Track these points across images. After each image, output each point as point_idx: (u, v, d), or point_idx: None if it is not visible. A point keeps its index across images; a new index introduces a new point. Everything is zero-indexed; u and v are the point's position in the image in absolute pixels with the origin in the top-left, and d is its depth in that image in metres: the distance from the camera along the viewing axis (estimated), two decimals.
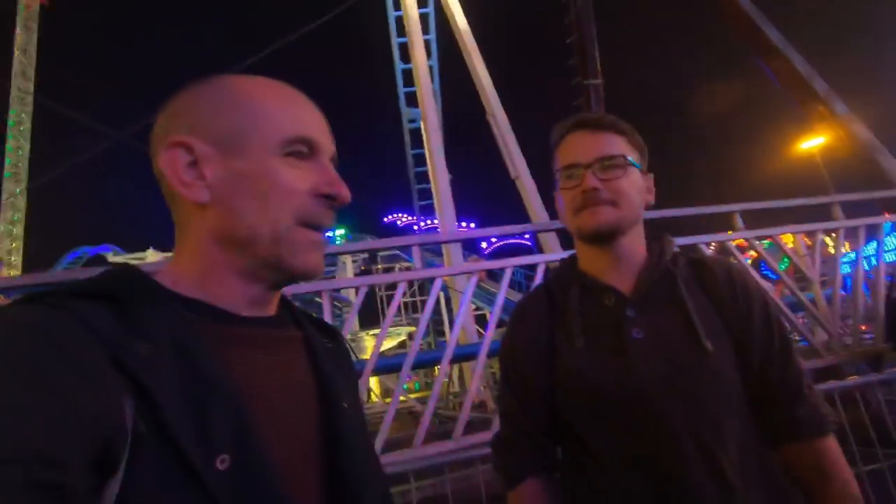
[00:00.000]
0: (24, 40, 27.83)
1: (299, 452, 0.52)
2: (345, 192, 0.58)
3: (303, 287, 2.36)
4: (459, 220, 11.86)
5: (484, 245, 21.70)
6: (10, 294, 2.16)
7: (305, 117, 0.58)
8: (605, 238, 0.85)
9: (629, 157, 0.86)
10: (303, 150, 0.56)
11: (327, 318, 2.44)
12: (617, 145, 0.86)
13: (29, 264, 28.23)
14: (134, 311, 0.47)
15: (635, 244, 0.88)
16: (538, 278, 2.71)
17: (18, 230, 28.08)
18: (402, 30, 13.38)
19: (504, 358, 0.94)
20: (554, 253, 3.00)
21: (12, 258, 27.62)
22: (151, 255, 23.67)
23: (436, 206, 11.32)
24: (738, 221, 3.26)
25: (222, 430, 0.44)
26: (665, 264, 0.87)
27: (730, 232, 3.25)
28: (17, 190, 26.48)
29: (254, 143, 0.54)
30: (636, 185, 0.86)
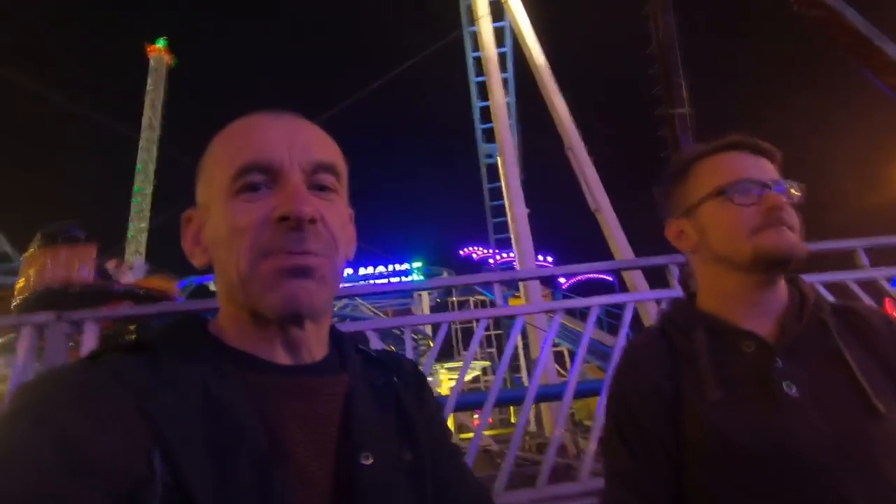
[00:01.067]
0: (153, 97, 32.12)
1: None
2: (294, 208, 0.49)
3: (385, 322, 2.40)
4: (537, 253, 11.66)
5: (563, 280, 21.09)
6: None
7: (254, 142, 0.52)
8: (783, 265, 0.76)
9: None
10: (256, 179, 0.51)
11: (409, 354, 2.45)
12: (776, 173, 0.80)
13: None
14: (168, 361, 0.47)
15: (782, 284, 0.79)
16: (626, 318, 2.55)
17: (140, 261, 31.83)
18: (480, 69, 13.79)
19: (616, 408, 0.82)
20: (641, 292, 2.83)
21: None
22: None
23: (513, 240, 11.26)
24: (862, 258, 2.88)
25: (245, 486, 0.42)
26: (812, 309, 0.77)
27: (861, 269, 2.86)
28: (142, 226, 30.17)
29: (214, 194, 0.53)
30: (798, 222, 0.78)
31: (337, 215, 0.54)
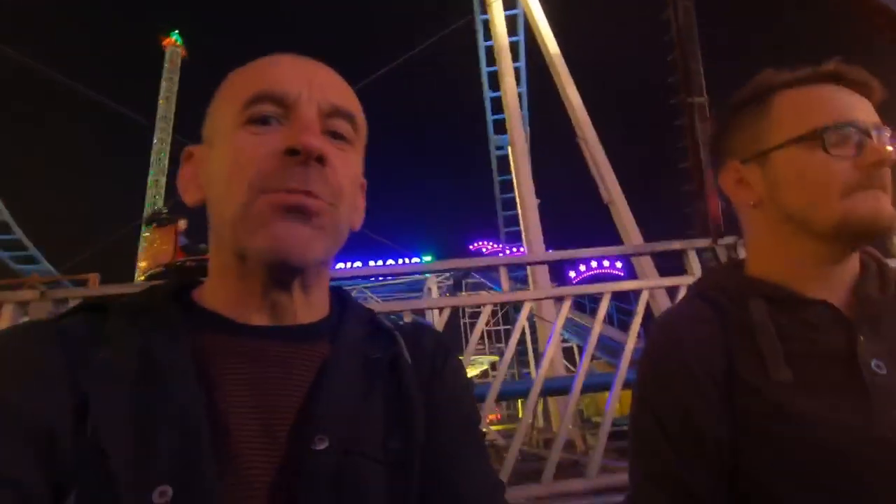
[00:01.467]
0: (167, 89, 32.43)
1: (259, 493, 0.41)
2: (306, 141, 0.44)
3: (384, 307, 2.29)
4: (546, 248, 11.49)
5: (573, 274, 20.86)
6: None
7: (270, 73, 0.48)
8: (880, 237, 0.62)
9: None
10: (267, 110, 0.46)
11: None
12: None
13: None
14: (114, 321, 0.45)
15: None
16: (640, 306, 2.39)
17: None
18: (491, 59, 13.60)
19: (653, 395, 0.66)
20: (655, 279, 2.66)
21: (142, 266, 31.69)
22: None
23: (522, 230, 11.11)
24: None
25: (165, 455, 0.38)
26: (894, 279, 0.65)
27: None
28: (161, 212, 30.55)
29: (221, 126, 0.49)
30: None
31: (348, 167, 0.50)
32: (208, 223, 0.51)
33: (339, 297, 0.57)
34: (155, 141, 32.09)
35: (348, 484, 0.42)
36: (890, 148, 0.60)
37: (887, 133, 0.62)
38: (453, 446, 0.50)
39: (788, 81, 0.67)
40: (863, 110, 0.63)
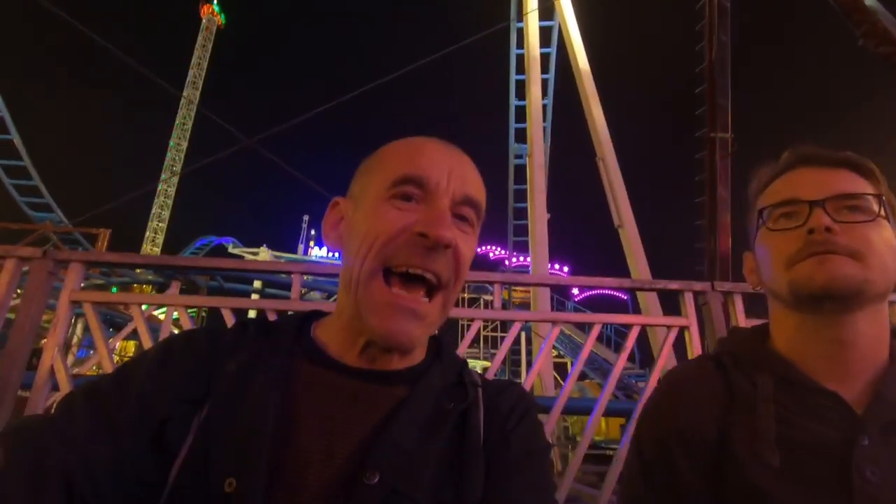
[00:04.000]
0: (199, 56, 32.62)
1: None
2: (437, 232, 0.52)
3: None
4: (552, 263, 11.45)
5: (575, 291, 20.77)
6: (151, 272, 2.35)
7: (419, 159, 0.56)
8: (837, 301, 0.60)
9: (881, 201, 0.62)
10: (411, 190, 0.54)
11: None
12: (861, 185, 0.63)
13: (169, 242, 32.53)
14: (247, 337, 0.57)
15: (877, 330, 0.62)
16: (629, 341, 2.39)
17: (166, 213, 32.56)
18: (520, 67, 13.56)
19: (646, 444, 0.69)
20: (650, 316, 2.65)
21: (157, 237, 31.99)
22: (263, 253, 25.97)
23: (530, 244, 11.08)
24: None
25: (236, 453, 0.46)
26: None
27: None
28: (172, 179, 30.76)
29: (369, 193, 0.57)
30: (889, 244, 0.61)
31: (468, 248, 0.57)
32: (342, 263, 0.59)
33: (437, 345, 0.62)
34: (181, 106, 32.28)
35: None
36: (828, 219, 0.60)
37: (844, 203, 0.62)
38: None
39: (774, 173, 0.69)
40: (819, 185, 0.63)
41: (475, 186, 0.58)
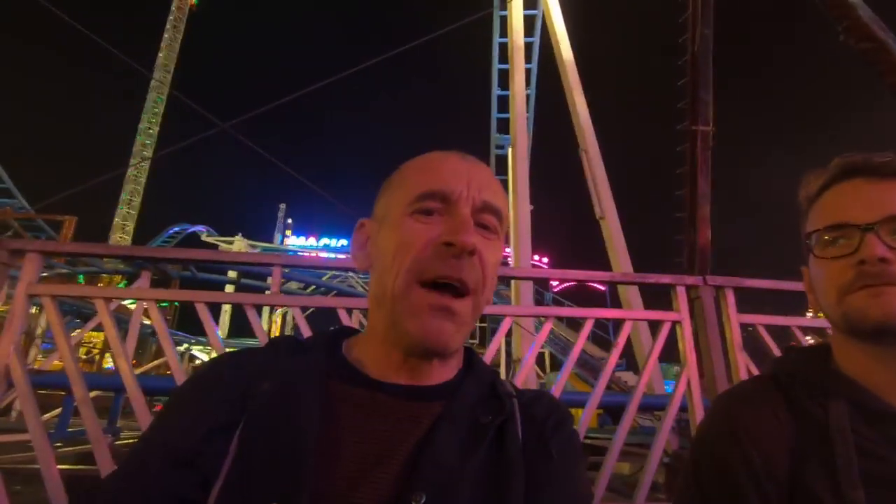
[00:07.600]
0: (171, 37, 31.46)
1: None
2: (461, 238, 0.53)
3: (329, 301, 2.06)
4: (534, 253, 11.47)
5: (555, 282, 20.94)
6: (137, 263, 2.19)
7: (438, 173, 0.58)
8: (884, 335, 0.56)
9: None
10: (432, 205, 0.56)
11: None
12: None
13: (139, 231, 31.52)
14: (297, 359, 0.56)
15: None
16: (621, 338, 2.34)
17: (137, 200, 31.51)
18: (503, 56, 13.45)
19: (705, 472, 0.62)
20: (640, 310, 2.61)
21: (127, 224, 30.98)
22: (238, 242, 25.41)
23: (511, 236, 11.07)
24: None
25: (276, 475, 0.46)
26: None
27: None
28: (141, 164, 29.70)
29: (393, 211, 0.58)
30: None
31: (493, 254, 0.58)
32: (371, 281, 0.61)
33: (468, 358, 0.63)
34: (151, 89, 31.16)
35: None
36: (883, 247, 0.56)
37: (893, 224, 0.57)
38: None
39: (824, 184, 0.64)
40: (872, 205, 0.59)
41: (495, 194, 0.59)
